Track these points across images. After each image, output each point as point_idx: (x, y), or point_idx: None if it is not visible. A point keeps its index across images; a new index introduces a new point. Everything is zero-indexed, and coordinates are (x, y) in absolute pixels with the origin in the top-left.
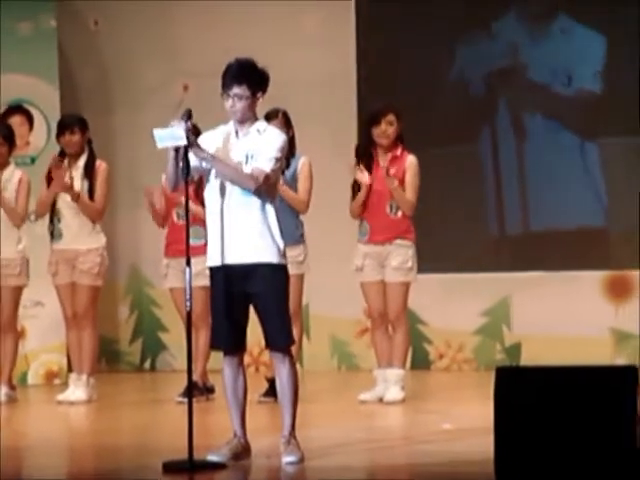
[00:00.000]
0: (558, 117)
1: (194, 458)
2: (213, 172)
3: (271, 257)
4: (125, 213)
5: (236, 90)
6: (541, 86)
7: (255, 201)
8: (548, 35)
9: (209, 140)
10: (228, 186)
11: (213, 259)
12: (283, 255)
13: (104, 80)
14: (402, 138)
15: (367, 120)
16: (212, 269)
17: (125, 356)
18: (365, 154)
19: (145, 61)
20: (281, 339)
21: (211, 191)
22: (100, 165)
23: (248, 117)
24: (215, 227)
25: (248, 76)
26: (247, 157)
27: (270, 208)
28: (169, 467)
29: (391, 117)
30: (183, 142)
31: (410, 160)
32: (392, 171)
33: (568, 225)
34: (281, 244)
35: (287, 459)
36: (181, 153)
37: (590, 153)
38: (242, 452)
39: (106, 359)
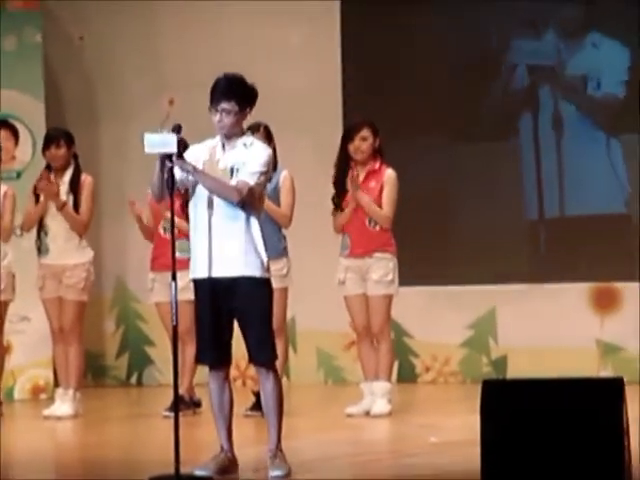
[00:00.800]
0: (589, 115)
1: (181, 472)
2: (198, 185)
3: (254, 271)
4: (111, 227)
5: (224, 105)
6: (576, 88)
7: (239, 215)
8: (582, 48)
9: (196, 153)
10: (213, 199)
11: (197, 271)
12: (267, 269)
13: (89, 94)
14: (381, 151)
15: (342, 136)
16: (196, 282)
17: (111, 370)
18: (342, 169)
19: (131, 75)
20: (264, 354)
21: (196, 204)
22: (85, 179)
23: (235, 132)
24: (199, 240)
25: (237, 92)
26: (232, 170)
27: (254, 222)
28: None
29: (365, 132)
30: (173, 150)
31: (388, 174)
32: (371, 184)
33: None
34: (265, 258)
35: (274, 473)
36: (167, 165)
37: (614, 148)
38: (229, 466)
39: (92, 374)
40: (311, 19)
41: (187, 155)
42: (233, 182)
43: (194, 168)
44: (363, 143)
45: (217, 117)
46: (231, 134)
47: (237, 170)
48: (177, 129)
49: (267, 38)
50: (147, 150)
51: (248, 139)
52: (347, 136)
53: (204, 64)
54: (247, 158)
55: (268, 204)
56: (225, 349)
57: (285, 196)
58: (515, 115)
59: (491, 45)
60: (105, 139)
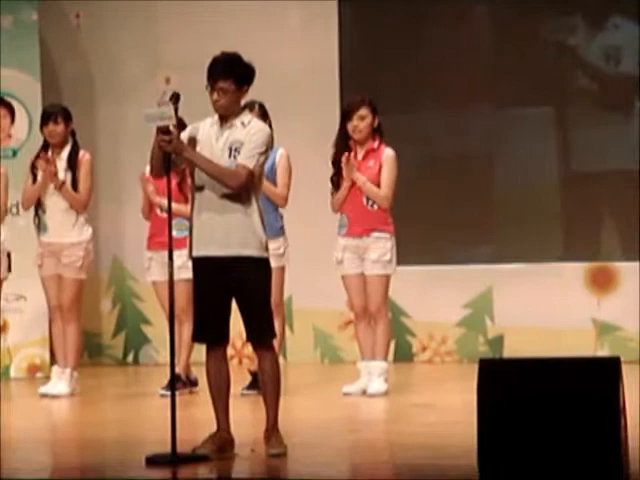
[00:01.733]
0: (605, 90)
1: (177, 451)
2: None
3: (253, 250)
4: (108, 206)
5: (222, 84)
6: (595, 66)
7: (239, 194)
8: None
9: (194, 133)
10: (201, 179)
11: (196, 250)
12: (265, 249)
13: (86, 73)
14: (380, 130)
15: (341, 115)
16: (195, 260)
17: (108, 349)
18: (341, 148)
19: (127, 54)
20: (262, 333)
21: (196, 183)
22: (84, 156)
23: (233, 110)
24: (198, 219)
25: (234, 70)
26: (231, 150)
27: (254, 201)
28: (152, 460)
29: (363, 111)
30: (173, 122)
31: (387, 154)
32: (369, 164)
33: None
34: (264, 238)
35: (270, 452)
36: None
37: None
38: (226, 445)
39: (88, 352)
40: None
41: (185, 134)
42: (231, 162)
43: (193, 153)
44: (361, 122)
45: (214, 96)
46: (229, 113)
47: (236, 149)
48: (175, 97)
49: (264, 18)
50: (147, 125)
51: (246, 117)
52: (345, 115)
53: (201, 44)
54: (246, 137)
55: (265, 184)
56: (223, 328)
57: (281, 175)
58: (528, 92)
59: (496, 25)
60: (101, 118)
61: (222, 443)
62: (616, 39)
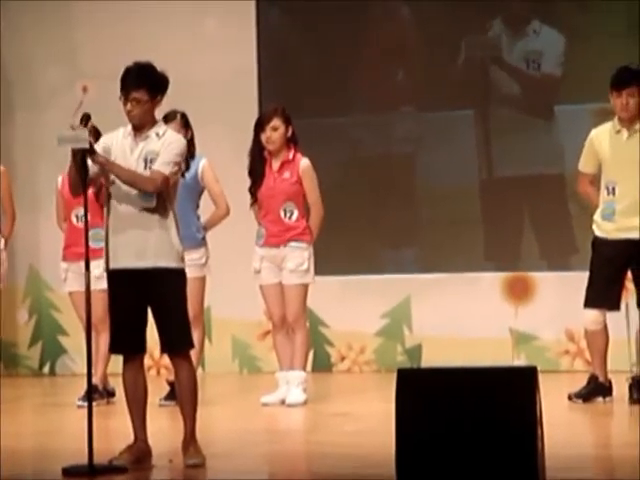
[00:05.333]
0: (527, 94)
1: (94, 462)
2: (112, 176)
3: (169, 261)
4: (24, 216)
5: (135, 94)
6: (517, 70)
7: (154, 205)
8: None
9: (108, 142)
10: (129, 190)
11: (112, 262)
12: (182, 259)
13: (2, 80)
14: (295, 140)
15: (254, 126)
16: (110, 272)
17: (24, 360)
18: (256, 159)
19: (44, 62)
20: (180, 343)
21: (111, 194)
22: None
23: (147, 121)
24: (114, 230)
25: (147, 80)
26: (146, 161)
27: (170, 212)
28: (69, 472)
29: (276, 122)
30: (85, 145)
31: (303, 165)
32: (285, 175)
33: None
34: (180, 248)
35: (188, 462)
36: (78, 158)
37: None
38: (143, 455)
39: (4, 363)
40: (226, 5)
41: (99, 144)
42: (147, 171)
43: (107, 160)
44: (274, 133)
45: (128, 106)
46: (143, 123)
47: (151, 161)
48: (86, 119)
49: (182, 25)
50: (60, 146)
51: (160, 128)
52: (258, 126)
53: (118, 51)
54: (161, 148)
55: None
56: (139, 338)
57: (213, 186)
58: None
59: (420, 28)
60: (18, 126)
61: (139, 454)
62: (537, 44)
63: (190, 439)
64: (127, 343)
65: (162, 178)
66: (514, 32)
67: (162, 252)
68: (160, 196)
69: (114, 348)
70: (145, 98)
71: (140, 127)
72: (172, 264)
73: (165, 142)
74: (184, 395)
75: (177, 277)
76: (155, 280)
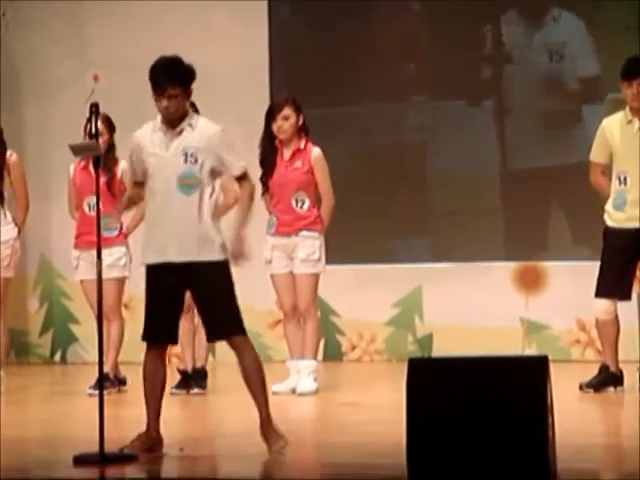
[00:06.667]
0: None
1: (105, 451)
2: (152, 171)
3: (213, 254)
4: (36, 204)
5: (170, 91)
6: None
7: (195, 199)
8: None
9: (141, 140)
10: (170, 184)
11: (153, 256)
12: (225, 250)
13: (13, 72)
14: (306, 129)
15: (265, 116)
16: (151, 266)
17: (35, 348)
18: (267, 149)
19: (55, 52)
20: (237, 326)
21: (152, 188)
22: (11, 156)
23: (182, 114)
24: (154, 224)
25: (179, 75)
26: (186, 155)
27: (209, 205)
28: (80, 460)
29: (287, 111)
30: (100, 152)
31: (315, 154)
32: (297, 164)
33: None
34: (222, 239)
35: (275, 447)
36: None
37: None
38: (154, 445)
39: (15, 351)
40: None
41: (132, 145)
42: (188, 167)
43: (242, 223)
44: (285, 122)
45: (164, 103)
46: (178, 117)
47: (191, 155)
48: (95, 107)
49: (193, 17)
50: (76, 156)
51: (192, 119)
52: (270, 115)
53: (128, 40)
54: (207, 144)
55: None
56: (173, 330)
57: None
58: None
59: (433, 17)
60: (30, 116)
61: (151, 443)
62: (557, 35)
63: (267, 424)
64: (161, 333)
65: (246, 170)
66: (531, 22)
67: (205, 246)
68: (201, 189)
69: (147, 336)
70: (179, 92)
71: (174, 121)
72: (216, 257)
73: (210, 137)
74: (253, 380)
75: (223, 268)
76: (201, 274)
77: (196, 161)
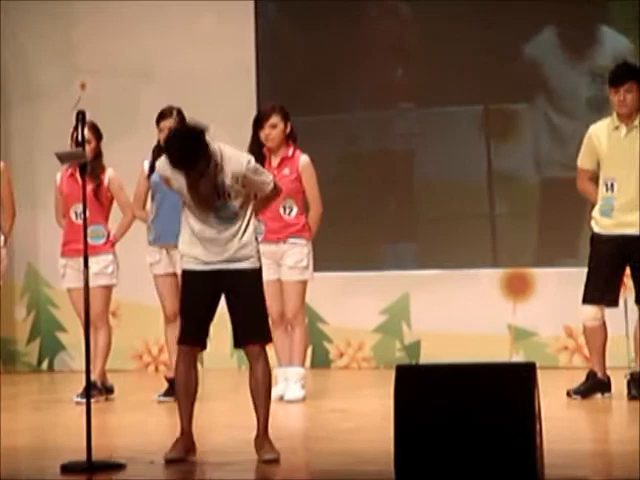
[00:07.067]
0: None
1: (93, 459)
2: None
3: (249, 262)
4: (22, 212)
5: (191, 173)
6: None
7: (237, 207)
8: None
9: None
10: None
11: (194, 263)
12: (259, 258)
13: (1, 78)
14: (294, 137)
15: (253, 123)
16: (189, 272)
17: (22, 356)
18: (255, 156)
19: (42, 59)
20: (263, 334)
21: (190, 206)
22: None
23: (212, 186)
24: (194, 232)
25: (196, 156)
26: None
27: (249, 214)
28: (68, 468)
29: (274, 119)
30: (86, 160)
31: (303, 162)
32: (284, 172)
33: None
34: (257, 247)
35: (265, 457)
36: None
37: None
38: (191, 449)
39: (3, 359)
40: (225, 2)
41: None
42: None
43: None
44: (273, 130)
45: (193, 181)
46: (209, 192)
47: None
48: (82, 115)
49: (180, 20)
50: (63, 164)
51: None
52: (257, 123)
53: (116, 48)
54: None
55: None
56: (207, 334)
57: None
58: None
59: (420, 22)
60: (16, 123)
61: (188, 447)
62: (535, 40)
63: (263, 435)
64: (198, 337)
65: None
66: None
67: (243, 252)
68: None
69: (185, 340)
70: (201, 170)
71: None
72: (256, 265)
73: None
74: (259, 391)
75: (259, 275)
76: (239, 279)
77: (229, 196)
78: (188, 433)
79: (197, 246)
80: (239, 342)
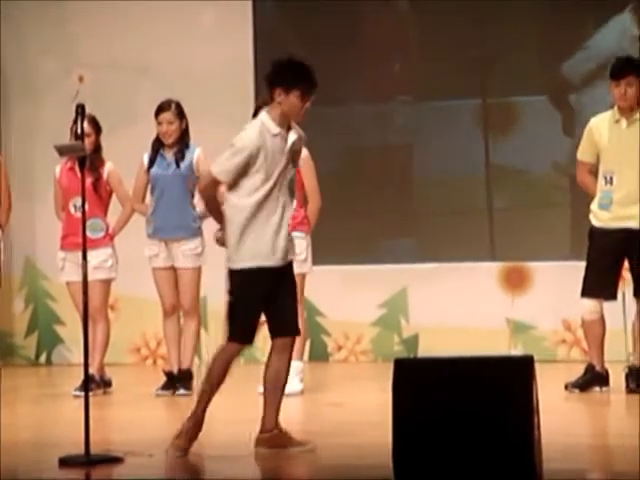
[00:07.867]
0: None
1: (91, 452)
2: (261, 177)
3: (295, 255)
4: (20, 205)
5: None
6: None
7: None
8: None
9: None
10: (281, 190)
11: (262, 259)
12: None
13: (0, 72)
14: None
15: (252, 116)
16: (257, 270)
17: (20, 350)
18: None
19: (40, 53)
20: (297, 326)
21: (261, 193)
22: None
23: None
24: (264, 228)
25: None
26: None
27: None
28: (66, 462)
29: None
30: (85, 153)
31: (302, 154)
32: None
33: None
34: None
35: (298, 449)
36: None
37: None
38: (194, 439)
39: (0, 353)
40: None
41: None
42: None
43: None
44: None
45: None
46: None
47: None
48: (81, 109)
49: (178, 17)
50: (62, 156)
51: None
52: (256, 116)
53: (114, 41)
54: None
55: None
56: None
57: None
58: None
59: (419, 16)
60: (14, 116)
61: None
62: (534, 34)
63: (275, 428)
64: (252, 334)
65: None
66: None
67: (292, 246)
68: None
69: (244, 339)
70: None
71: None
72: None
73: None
74: (274, 385)
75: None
76: (287, 273)
77: None
78: (200, 421)
79: (273, 239)
80: (282, 332)
